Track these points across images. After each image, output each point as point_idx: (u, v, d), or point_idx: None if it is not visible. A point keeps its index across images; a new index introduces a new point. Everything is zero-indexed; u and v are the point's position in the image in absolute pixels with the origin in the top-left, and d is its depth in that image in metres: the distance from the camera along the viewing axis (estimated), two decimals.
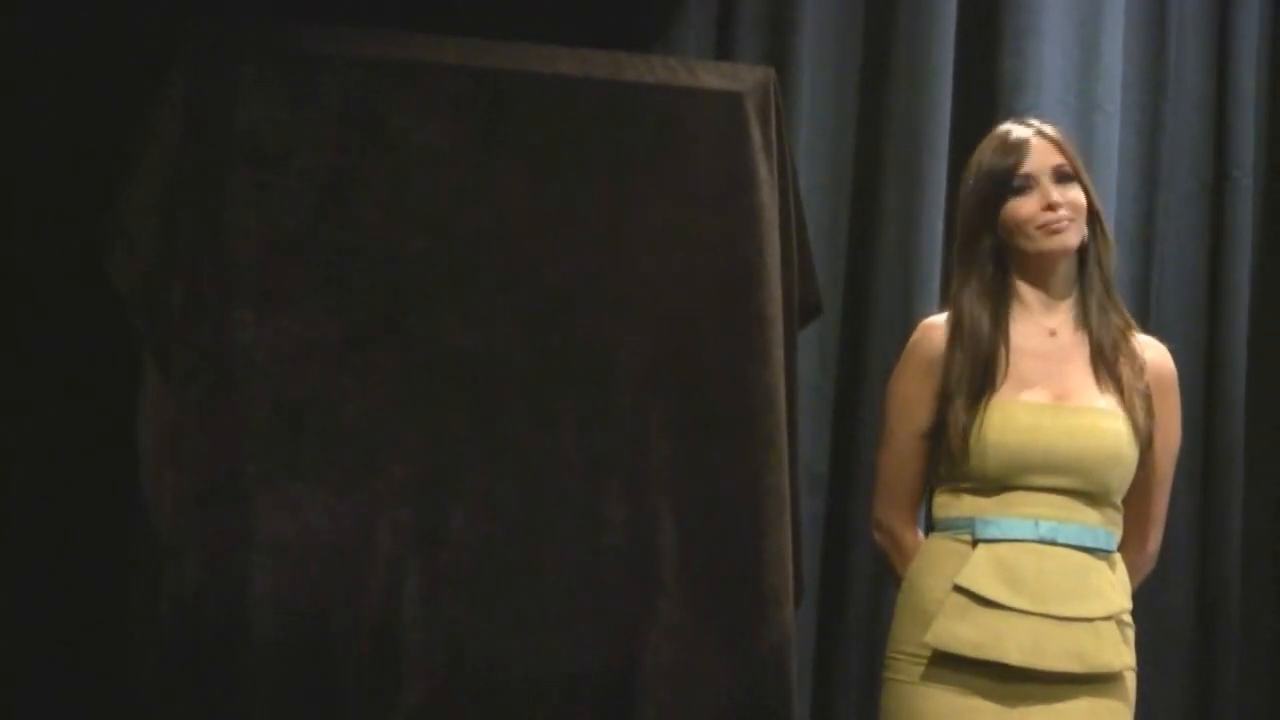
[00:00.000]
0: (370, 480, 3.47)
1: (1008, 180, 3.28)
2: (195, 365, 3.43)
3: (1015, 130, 3.33)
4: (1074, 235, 3.29)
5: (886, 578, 3.51)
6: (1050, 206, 3.26)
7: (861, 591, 4.15)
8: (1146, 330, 3.97)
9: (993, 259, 3.31)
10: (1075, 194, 3.29)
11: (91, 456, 3.71)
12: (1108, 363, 3.29)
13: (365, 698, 3.44)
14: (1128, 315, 3.37)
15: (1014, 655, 3.16)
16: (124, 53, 3.68)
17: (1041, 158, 3.29)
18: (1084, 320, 3.33)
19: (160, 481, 3.44)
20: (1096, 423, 3.24)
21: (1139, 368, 3.31)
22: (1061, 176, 3.29)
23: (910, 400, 3.32)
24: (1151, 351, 3.36)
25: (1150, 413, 3.29)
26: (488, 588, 3.49)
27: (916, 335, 3.37)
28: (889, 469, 3.37)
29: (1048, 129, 3.33)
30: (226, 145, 3.47)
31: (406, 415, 3.49)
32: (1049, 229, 3.27)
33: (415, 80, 3.54)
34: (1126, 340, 3.34)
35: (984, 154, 3.33)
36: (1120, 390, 3.28)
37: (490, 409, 3.51)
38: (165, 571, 3.39)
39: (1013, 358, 3.28)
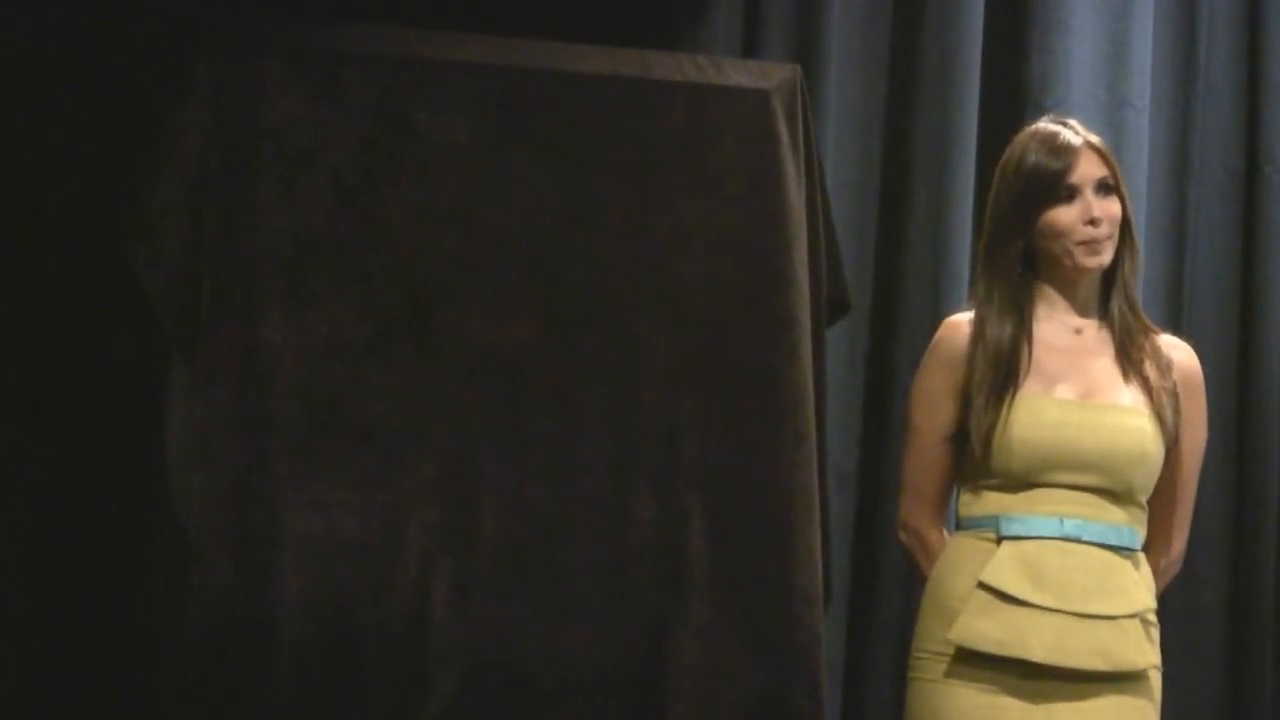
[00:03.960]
0: (398, 479, 3.47)
1: (1053, 187, 3.24)
2: (222, 364, 3.44)
3: (1063, 134, 3.28)
4: (1110, 253, 3.26)
5: (916, 576, 3.49)
6: (1093, 221, 3.24)
7: (891, 590, 4.14)
8: (1179, 325, 3.95)
9: (1021, 259, 3.29)
10: (1115, 207, 3.26)
11: (118, 456, 3.71)
12: (1133, 361, 3.28)
13: (393, 697, 3.44)
14: (1147, 320, 3.35)
15: (1038, 653, 3.14)
16: (147, 50, 3.68)
17: (1088, 168, 3.25)
18: (1108, 320, 3.31)
19: (188, 481, 3.45)
20: (1122, 420, 3.23)
21: (1165, 365, 3.29)
22: (1104, 189, 3.26)
23: (934, 398, 3.31)
24: (1178, 352, 3.34)
25: (1177, 410, 3.26)
26: (516, 587, 3.49)
27: (940, 333, 3.35)
28: (914, 468, 3.35)
29: (1094, 139, 3.28)
30: (253, 143, 3.48)
31: (434, 414, 3.49)
32: (1090, 248, 3.24)
33: (441, 78, 3.55)
34: (1149, 339, 3.32)
35: (1027, 154, 3.27)
36: (1147, 388, 3.26)
37: (517, 407, 3.52)
38: (194, 571, 3.40)
39: (1037, 353, 3.26)
